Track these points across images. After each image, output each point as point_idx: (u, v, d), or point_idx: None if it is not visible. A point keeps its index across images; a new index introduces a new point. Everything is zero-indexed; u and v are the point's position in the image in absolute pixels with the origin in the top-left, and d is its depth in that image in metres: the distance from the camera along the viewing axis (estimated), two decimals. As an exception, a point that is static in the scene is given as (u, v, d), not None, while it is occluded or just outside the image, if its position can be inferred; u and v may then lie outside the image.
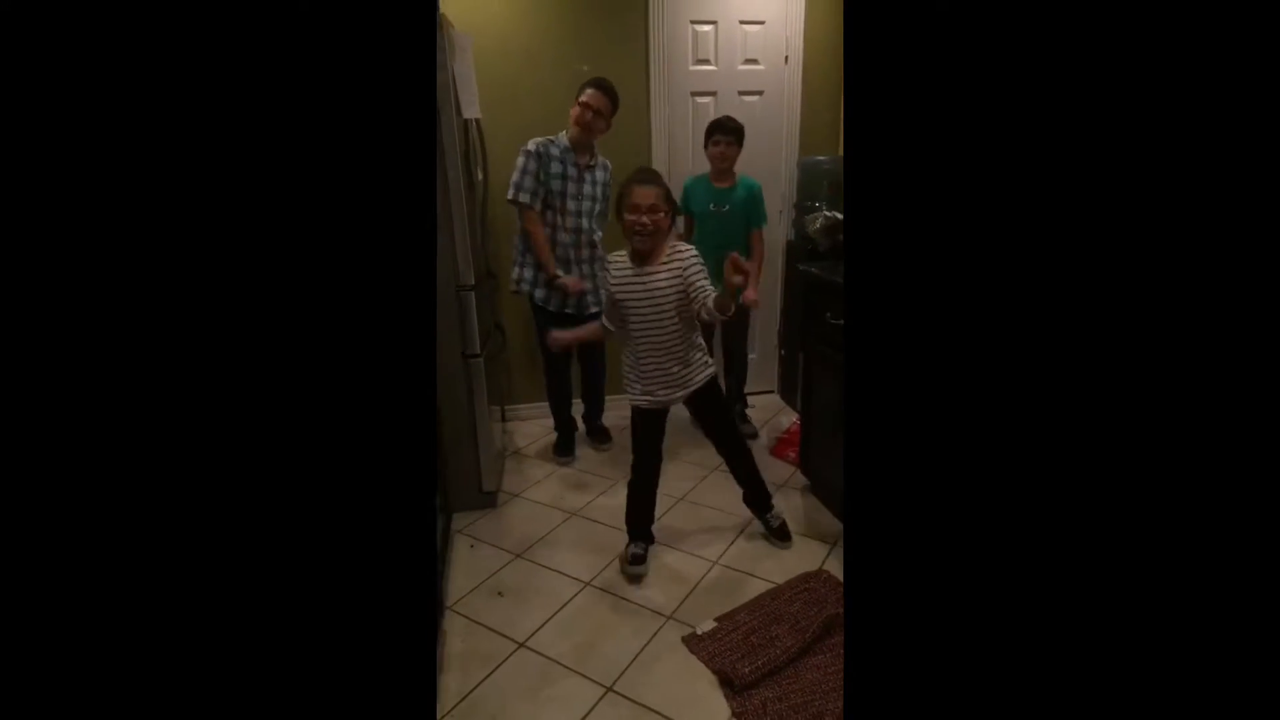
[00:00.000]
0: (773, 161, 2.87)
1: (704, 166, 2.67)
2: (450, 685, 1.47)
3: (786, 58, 2.78)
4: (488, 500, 2.22)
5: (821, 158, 2.78)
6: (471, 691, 1.46)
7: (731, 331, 2.62)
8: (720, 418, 1.92)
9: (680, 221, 2.65)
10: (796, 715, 1.34)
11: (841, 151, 2.90)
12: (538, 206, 2.25)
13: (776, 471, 2.39)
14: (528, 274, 2.34)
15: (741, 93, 2.79)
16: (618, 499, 1.93)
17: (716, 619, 1.64)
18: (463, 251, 1.96)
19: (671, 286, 1.69)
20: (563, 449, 2.56)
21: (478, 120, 2.24)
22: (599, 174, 2.35)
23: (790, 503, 2.18)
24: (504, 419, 2.80)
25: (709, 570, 1.86)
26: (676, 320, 1.72)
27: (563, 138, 2.26)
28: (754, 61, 2.77)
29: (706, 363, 1.82)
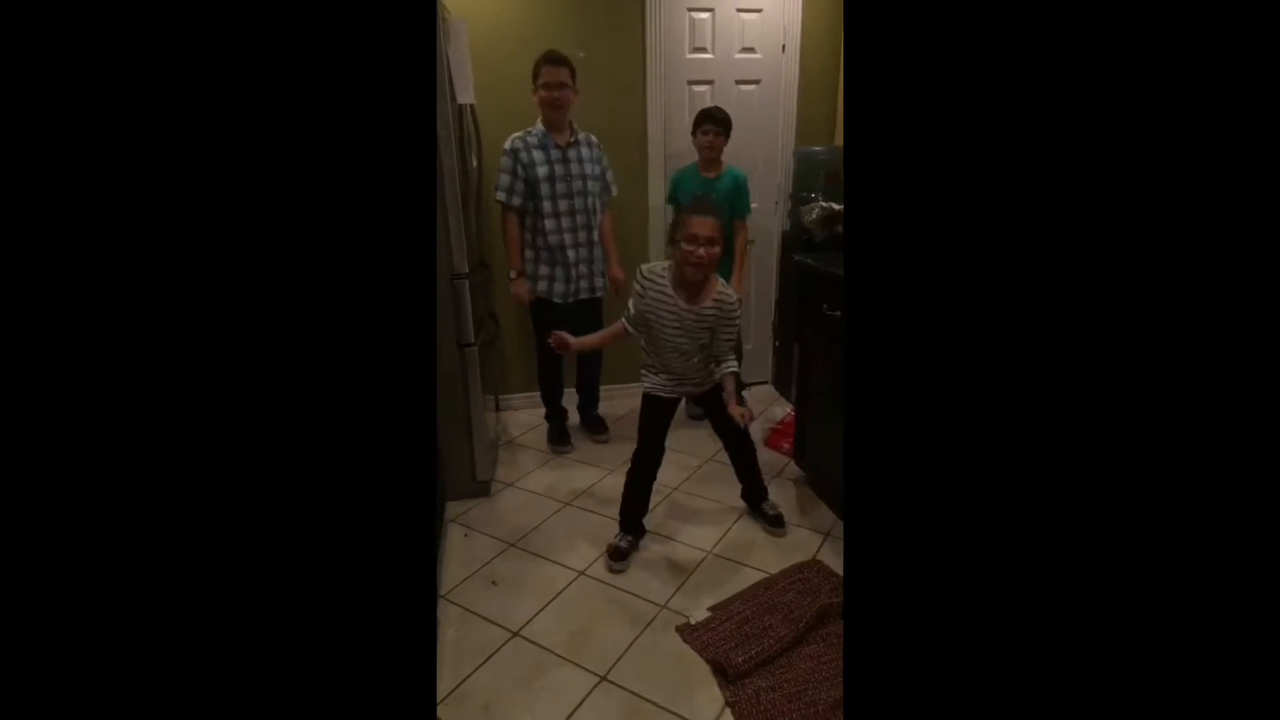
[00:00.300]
0: (768, 151, 2.86)
1: (683, 155, 2.66)
2: (444, 674, 1.47)
3: (784, 46, 2.76)
4: (481, 489, 2.21)
5: (818, 148, 2.76)
6: (465, 680, 1.46)
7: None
8: (725, 412, 1.91)
9: (668, 210, 2.65)
10: (790, 705, 1.35)
11: (838, 142, 2.89)
12: (516, 203, 2.25)
13: (770, 462, 2.39)
14: (542, 269, 2.33)
15: (738, 81, 2.77)
16: (611, 489, 1.93)
17: (710, 608, 1.65)
18: (457, 239, 1.94)
19: (704, 325, 1.70)
20: (559, 438, 2.56)
21: (472, 106, 2.21)
22: (584, 150, 2.30)
23: (784, 493, 2.19)
24: (497, 408, 2.79)
25: (703, 560, 1.86)
26: (705, 348, 1.76)
27: (538, 125, 2.25)
28: (751, 50, 2.75)
29: (720, 364, 1.83)
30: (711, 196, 1.75)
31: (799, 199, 2.72)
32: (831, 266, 1.98)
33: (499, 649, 1.55)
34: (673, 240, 1.67)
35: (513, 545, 1.96)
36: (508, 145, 2.23)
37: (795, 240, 2.64)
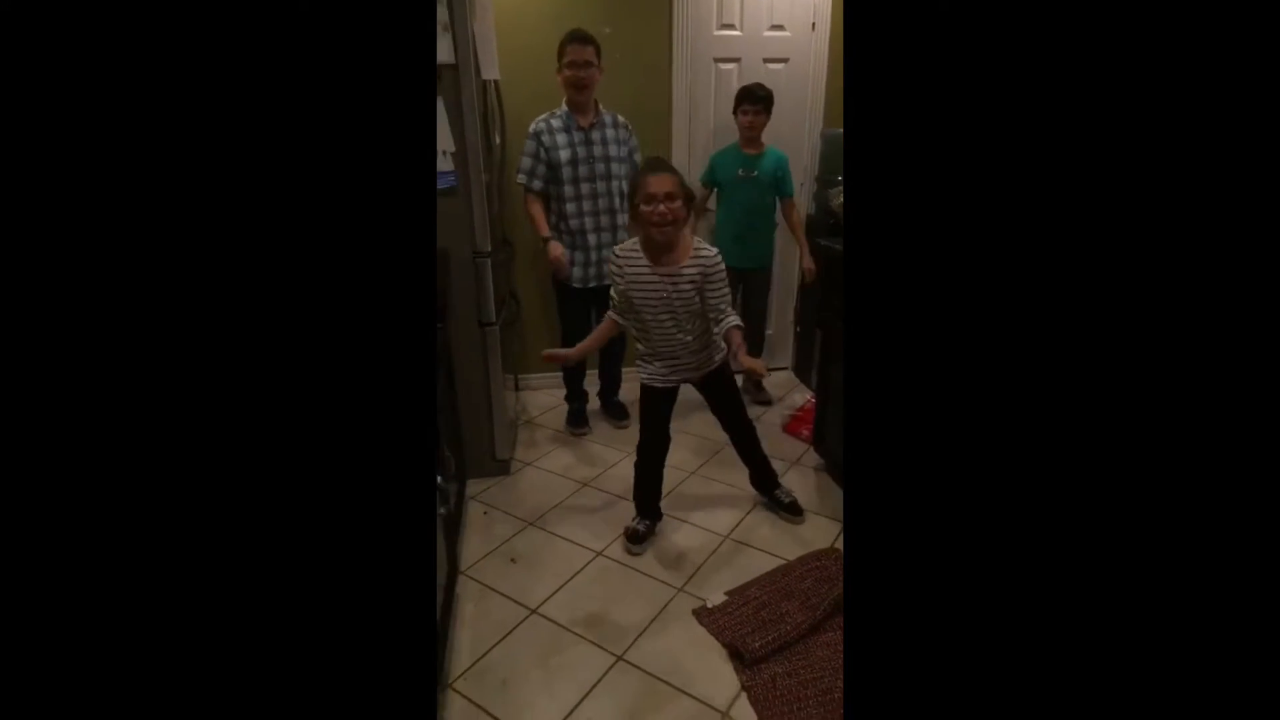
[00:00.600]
0: (796, 132, 2.80)
1: (724, 136, 2.62)
2: (462, 649, 1.49)
3: (814, 24, 2.69)
4: (501, 468, 2.23)
5: (846, 130, 2.70)
6: (484, 656, 1.48)
7: (752, 305, 2.61)
8: (730, 400, 1.90)
9: (699, 198, 2.61)
10: (805, 691, 1.35)
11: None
12: (536, 187, 2.23)
13: (789, 449, 2.38)
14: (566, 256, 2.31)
15: (766, 60, 2.71)
16: (630, 471, 1.93)
17: (727, 592, 1.65)
18: (480, 217, 1.93)
19: (690, 287, 1.64)
20: (577, 421, 2.56)
21: (496, 82, 2.19)
22: (609, 131, 2.26)
23: (803, 480, 2.18)
24: (517, 388, 2.80)
25: (720, 544, 1.86)
26: (697, 320, 1.70)
27: (563, 106, 2.22)
28: (780, 28, 2.68)
29: (720, 347, 1.80)
30: (661, 158, 1.70)
31: (825, 182, 2.67)
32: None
33: (517, 626, 1.57)
34: (633, 208, 1.62)
35: (531, 524, 1.97)
36: (532, 128, 2.21)
37: (820, 224, 2.59)
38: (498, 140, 2.27)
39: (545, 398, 2.85)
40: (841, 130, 2.71)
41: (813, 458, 2.30)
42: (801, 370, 3.01)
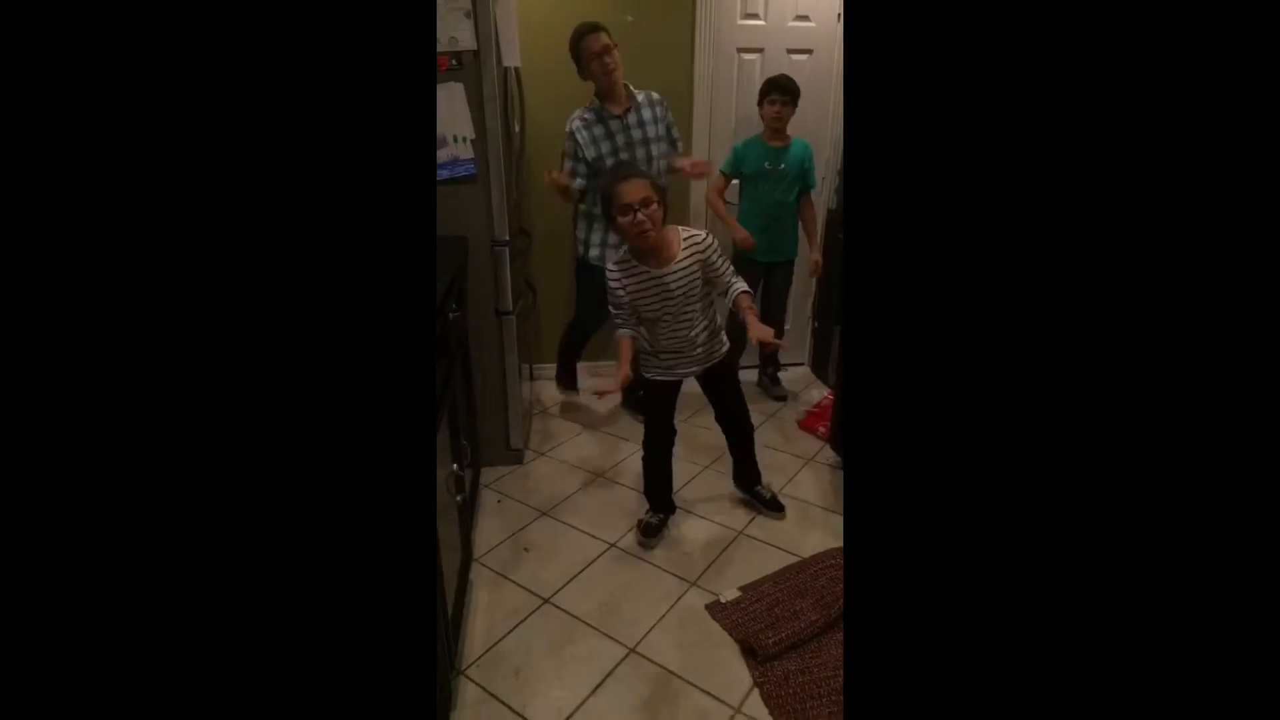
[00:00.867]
0: (819, 125, 2.76)
1: (745, 127, 2.59)
2: (475, 637, 1.50)
3: (840, 15, 2.64)
4: (515, 457, 2.23)
5: (870, 123, 2.66)
6: (496, 644, 1.48)
7: (773, 299, 2.59)
8: (732, 395, 1.88)
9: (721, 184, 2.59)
10: (819, 689, 1.34)
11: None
12: (579, 185, 2.21)
13: (804, 445, 2.36)
14: (595, 237, 2.30)
15: (790, 50, 2.67)
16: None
17: (741, 588, 1.64)
18: (499, 205, 1.92)
19: (693, 278, 1.62)
20: (567, 382, 2.65)
21: (517, 70, 2.17)
22: (645, 112, 2.22)
23: (818, 478, 2.16)
24: (531, 377, 2.80)
25: (734, 539, 1.85)
26: (699, 312, 1.68)
27: (593, 100, 2.19)
28: (805, 18, 2.64)
29: (723, 340, 1.79)
30: (624, 162, 1.67)
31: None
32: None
33: (529, 615, 1.57)
34: (611, 222, 1.58)
35: (545, 514, 1.97)
36: (568, 128, 2.19)
37: (841, 218, 2.56)
38: (517, 128, 2.25)
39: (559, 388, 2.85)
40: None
41: (828, 454, 2.28)
42: (819, 366, 2.98)
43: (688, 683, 1.38)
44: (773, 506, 1.95)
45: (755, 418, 1.98)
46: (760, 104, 2.39)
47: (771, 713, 1.30)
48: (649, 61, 2.52)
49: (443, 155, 1.86)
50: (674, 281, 1.61)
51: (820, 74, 2.71)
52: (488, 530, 1.89)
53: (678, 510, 1.95)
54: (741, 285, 1.65)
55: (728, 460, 2.27)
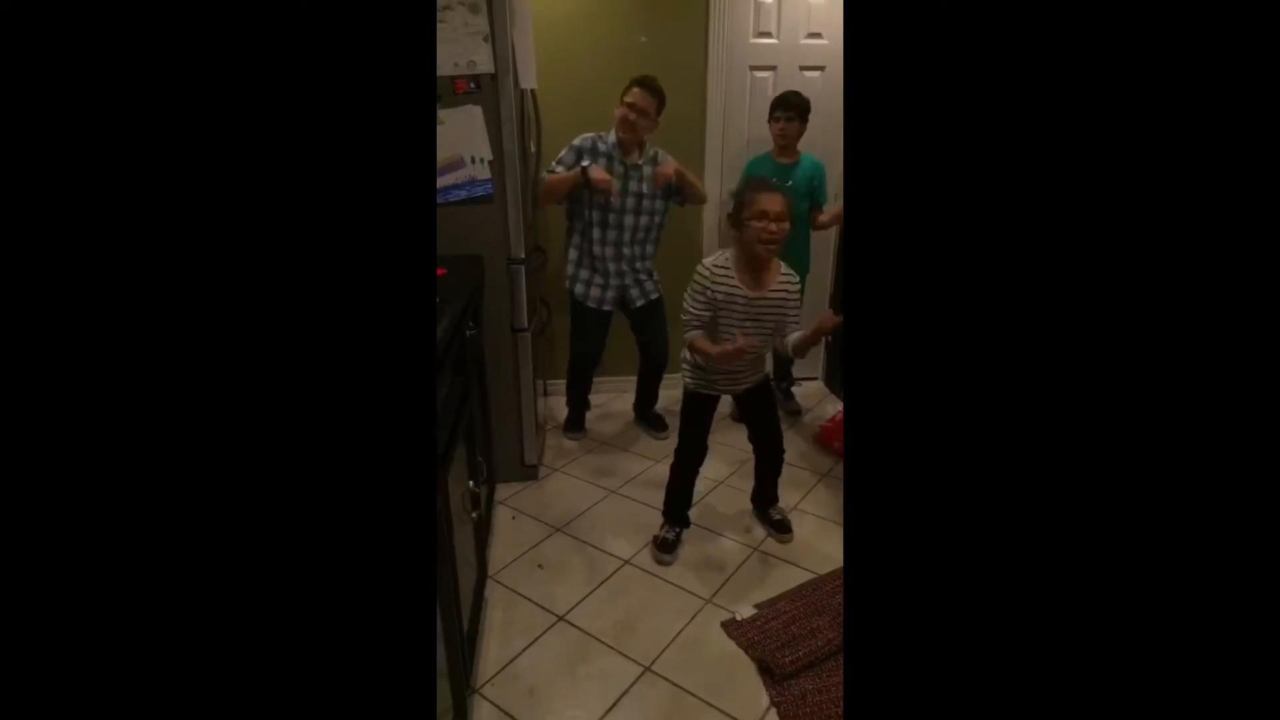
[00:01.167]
0: (832, 141, 2.76)
1: (758, 145, 2.61)
2: (490, 655, 1.50)
3: (852, 32, 2.66)
4: (529, 473, 2.24)
5: (883, 138, 2.67)
6: (511, 662, 1.48)
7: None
8: (768, 416, 1.88)
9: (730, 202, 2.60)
10: (837, 709, 1.33)
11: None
12: (559, 170, 2.20)
13: (818, 461, 2.35)
14: (583, 274, 2.32)
15: (803, 68, 2.69)
16: (658, 478, 1.93)
17: (756, 605, 1.63)
18: (515, 224, 1.95)
19: (778, 311, 1.64)
20: (574, 426, 2.58)
21: (533, 91, 2.21)
22: (646, 169, 2.24)
23: (833, 494, 2.15)
24: (545, 393, 2.81)
25: (749, 556, 1.84)
26: (765, 344, 1.70)
27: (610, 135, 2.20)
28: (817, 35, 2.66)
29: (765, 362, 1.81)
30: (765, 179, 1.70)
31: (860, 191, 2.63)
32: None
33: (544, 633, 1.57)
34: (737, 221, 1.60)
35: (559, 530, 1.98)
36: (577, 141, 2.20)
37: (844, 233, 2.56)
38: (533, 149, 2.29)
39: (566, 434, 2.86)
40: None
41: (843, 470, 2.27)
42: (833, 380, 2.97)
43: (704, 702, 1.37)
44: (779, 529, 1.94)
45: (770, 433, 1.99)
46: (769, 120, 2.41)
47: (789, 734, 1.29)
48: (662, 81, 2.54)
49: (460, 176, 1.89)
50: (763, 307, 1.63)
51: (833, 90, 2.72)
52: (502, 547, 1.90)
53: (693, 526, 1.95)
54: (798, 333, 1.64)
55: (744, 476, 2.26)
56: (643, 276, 2.36)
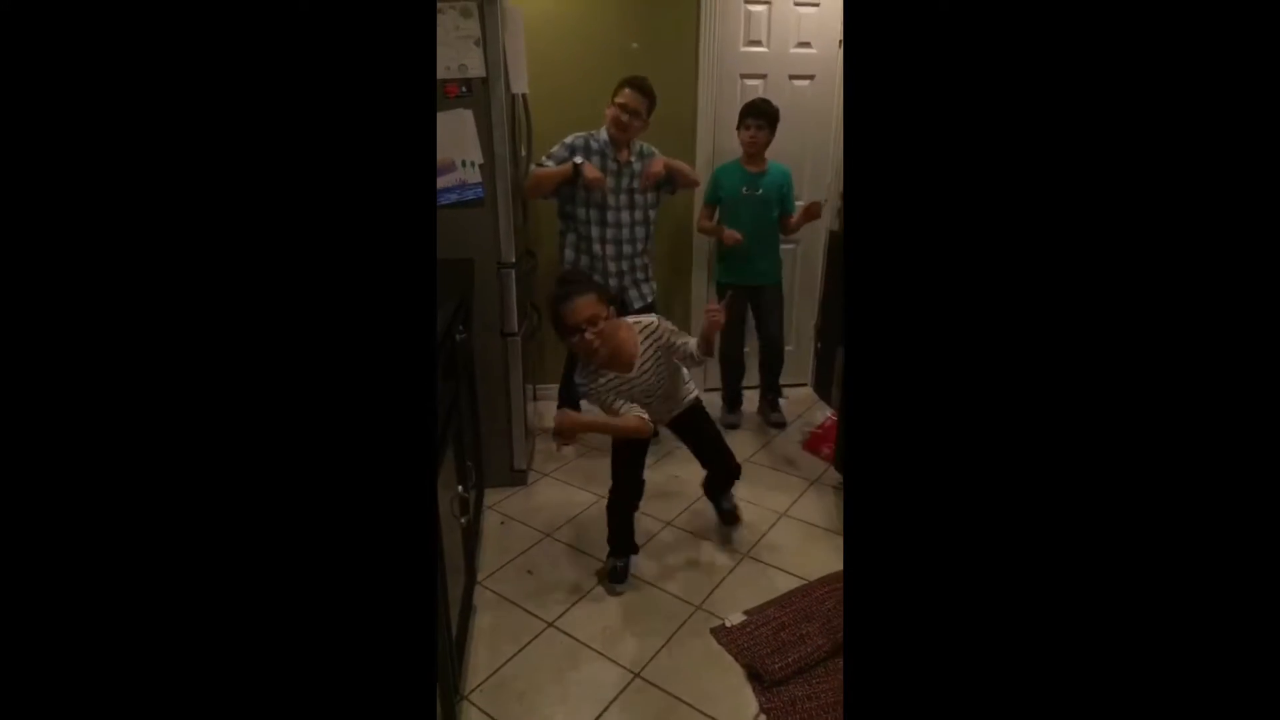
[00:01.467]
0: (820, 149, 2.79)
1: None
2: (479, 660, 1.49)
3: (841, 41, 2.69)
4: (518, 478, 2.23)
5: (871, 147, 2.69)
6: (500, 668, 1.47)
7: (768, 322, 2.59)
8: (704, 435, 1.87)
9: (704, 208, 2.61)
10: (826, 715, 1.33)
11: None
12: (550, 165, 2.19)
13: (808, 467, 2.35)
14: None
15: (792, 76, 2.71)
16: (649, 485, 1.91)
17: (746, 612, 1.63)
18: (505, 229, 1.94)
19: (660, 369, 1.65)
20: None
21: (524, 96, 2.21)
22: (639, 166, 2.26)
23: (822, 499, 2.15)
24: (535, 398, 2.80)
25: (738, 563, 1.84)
26: (667, 379, 1.70)
27: (602, 133, 2.21)
28: (807, 45, 2.69)
29: (690, 389, 1.81)
30: (566, 276, 1.69)
31: (849, 199, 2.65)
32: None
33: (533, 639, 1.56)
34: (564, 337, 1.56)
35: (548, 536, 1.97)
36: (569, 139, 2.19)
37: (842, 241, 2.58)
38: (524, 153, 2.28)
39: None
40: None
41: (832, 476, 2.28)
42: (821, 387, 2.99)
43: (693, 708, 1.37)
44: (727, 520, 1.97)
45: (754, 444, 1.98)
46: (738, 128, 2.41)
47: (778, 740, 1.28)
48: (654, 87, 2.56)
49: (451, 180, 1.88)
50: (644, 380, 1.63)
51: (822, 98, 2.75)
52: (490, 553, 1.88)
53: (681, 533, 1.94)
54: (693, 340, 1.64)
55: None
56: (640, 276, 2.37)
